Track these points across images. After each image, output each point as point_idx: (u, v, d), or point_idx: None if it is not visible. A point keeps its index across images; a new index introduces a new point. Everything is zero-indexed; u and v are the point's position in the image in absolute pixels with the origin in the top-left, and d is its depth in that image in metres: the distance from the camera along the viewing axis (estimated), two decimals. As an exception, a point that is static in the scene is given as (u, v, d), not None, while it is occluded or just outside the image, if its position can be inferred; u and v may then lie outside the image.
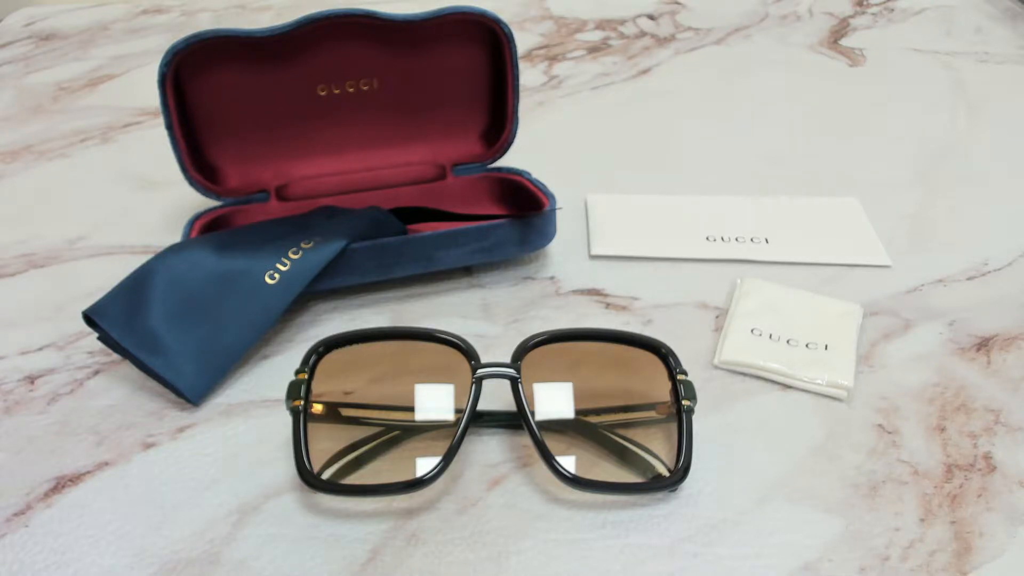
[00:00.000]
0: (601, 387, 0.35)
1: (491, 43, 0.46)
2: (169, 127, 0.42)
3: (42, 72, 0.68)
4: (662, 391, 0.34)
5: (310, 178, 0.47)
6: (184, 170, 0.43)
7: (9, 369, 0.38)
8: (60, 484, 0.33)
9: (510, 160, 0.48)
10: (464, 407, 0.32)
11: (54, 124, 0.60)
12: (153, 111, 0.61)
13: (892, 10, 0.79)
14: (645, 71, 0.68)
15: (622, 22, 0.77)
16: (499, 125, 0.47)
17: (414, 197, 0.47)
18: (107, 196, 0.51)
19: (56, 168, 0.55)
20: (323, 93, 0.45)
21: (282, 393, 0.33)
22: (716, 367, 0.38)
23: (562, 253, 0.46)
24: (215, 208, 0.45)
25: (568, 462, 0.32)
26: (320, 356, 0.33)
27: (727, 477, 0.33)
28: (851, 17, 0.78)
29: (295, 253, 0.39)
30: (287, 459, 0.33)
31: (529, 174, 0.47)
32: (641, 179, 0.53)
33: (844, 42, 0.73)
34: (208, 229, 0.44)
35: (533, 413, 0.32)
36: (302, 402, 0.32)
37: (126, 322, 0.36)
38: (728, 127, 0.60)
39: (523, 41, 0.72)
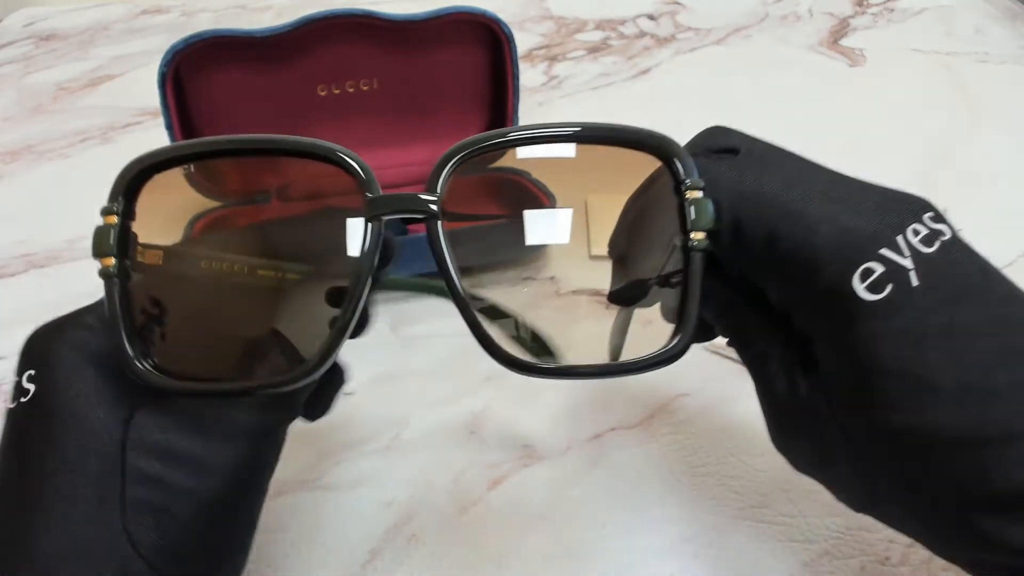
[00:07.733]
0: None
1: (491, 43, 0.46)
2: (169, 127, 0.42)
3: (42, 72, 0.68)
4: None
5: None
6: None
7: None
8: (60, 484, 0.33)
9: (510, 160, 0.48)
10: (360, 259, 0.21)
11: (54, 124, 0.60)
12: (153, 111, 0.61)
13: (892, 10, 0.79)
14: (645, 71, 0.68)
15: (622, 22, 0.77)
16: (499, 125, 0.47)
17: (414, 197, 0.47)
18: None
19: (56, 168, 0.55)
20: (323, 93, 0.45)
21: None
22: (718, 355, 0.38)
23: (562, 253, 0.46)
24: (215, 208, 0.45)
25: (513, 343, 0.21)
26: (136, 185, 0.21)
27: (727, 477, 0.33)
28: (851, 17, 0.78)
29: (295, 253, 0.39)
30: (287, 458, 0.33)
31: (529, 174, 0.47)
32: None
33: (844, 42, 0.73)
34: (208, 229, 0.44)
35: (458, 267, 0.22)
36: (114, 260, 0.21)
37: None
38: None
39: (523, 41, 0.72)
